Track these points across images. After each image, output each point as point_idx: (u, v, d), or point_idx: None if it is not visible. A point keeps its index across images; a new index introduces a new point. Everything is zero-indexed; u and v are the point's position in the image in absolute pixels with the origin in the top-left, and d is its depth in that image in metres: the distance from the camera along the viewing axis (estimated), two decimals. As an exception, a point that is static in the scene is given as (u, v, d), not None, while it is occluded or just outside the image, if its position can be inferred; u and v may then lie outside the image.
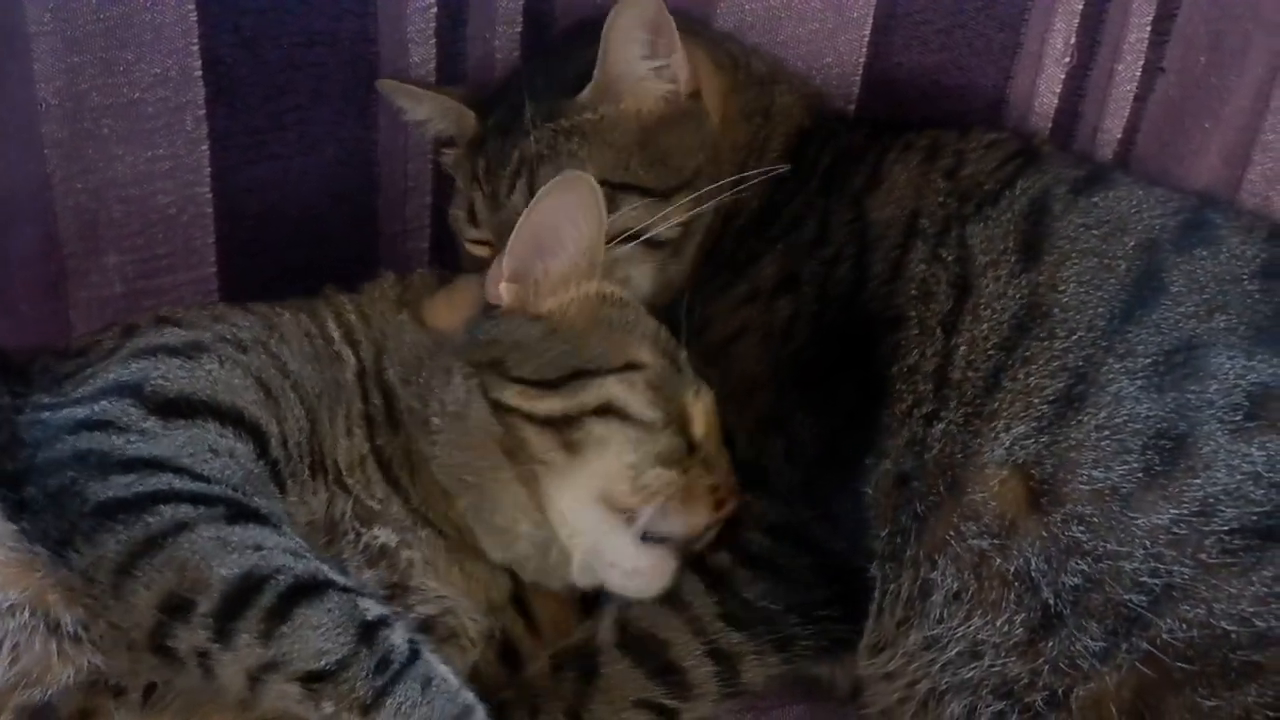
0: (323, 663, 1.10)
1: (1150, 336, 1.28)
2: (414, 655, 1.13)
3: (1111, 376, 1.26)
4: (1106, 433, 1.24)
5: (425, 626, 1.31)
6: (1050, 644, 1.22)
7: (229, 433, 1.26)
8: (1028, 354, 1.30)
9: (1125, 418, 1.24)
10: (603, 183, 1.42)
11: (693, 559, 1.37)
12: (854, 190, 1.48)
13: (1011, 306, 1.33)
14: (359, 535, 1.33)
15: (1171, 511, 1.20)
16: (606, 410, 1.34)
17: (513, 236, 1.38)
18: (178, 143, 1.58)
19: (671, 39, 1.49)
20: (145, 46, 1.52)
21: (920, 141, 1.50)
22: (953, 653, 1.26)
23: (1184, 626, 1.17)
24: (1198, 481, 1.21)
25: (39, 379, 1.34)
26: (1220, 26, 1.65)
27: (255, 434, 1.27)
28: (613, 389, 1.34)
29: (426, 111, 1.62)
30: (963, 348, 1.33)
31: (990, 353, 1.32)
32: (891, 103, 1.68)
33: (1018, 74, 1.71)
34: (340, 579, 1.17)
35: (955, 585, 1.27)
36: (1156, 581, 1.19)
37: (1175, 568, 1.19)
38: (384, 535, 1.34)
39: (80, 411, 1.24)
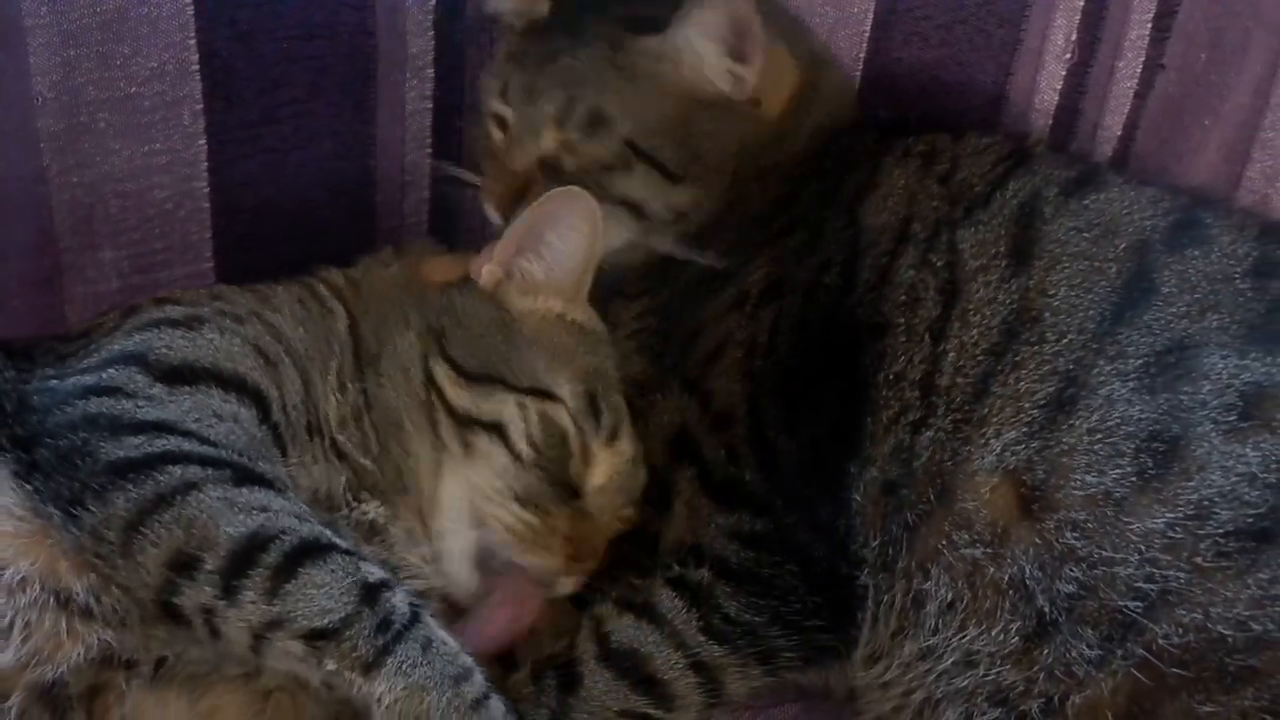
0: (326, 620, 1.12)
1: (1141, 338, 1.27)
2: (415, 617, 1.15)
3: (1103, 379, 1.26)
4: (1098, 436, 1.24)
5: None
6: (1045, 651, 1.22)
7: (232, 398, 1.28)
8: (1018, 359, 1.30)
9: (1117, 421, 1.24)
10: (628, 143, 1.45)
11: (670, 578, 1.37)
12: (848, 196, 1.47)
13: (1001, 311, 1.32)
14: (352, 509, 1.34)
15: (1166, 515, 1.20)
16: (494, 427, 1.37)
17: (510, 228, 1.42)
18: (174, 137, 1.57)
19: (753, 50, 1.48)
20: (141, 40, 1.51)
21: (918, 147, 1.50)
22: (948, 662, 1.26)
23: (1180, 631, 1.17)
24: (1192, 484, 1.20)
25: (43, 358, 1.36)
26: (1220, 24, 1.65)
27: (257, 399, 1.30)
28: (507, 411, 1.37)
29: None
30: (951, 354, 1.32)
31: (980, 358, 1.31)
32: (891, 99, 1.67)
33: (1018, 70, 1.70)
34: (342, 543, 1.19)
35: (949, 595, 1.27)
36: (1152, 586, 1.19)
37: (1170, 572, 1.19)
38: (373, 510, 1.35)
39: (88, 379, 1.26)
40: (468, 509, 1.36)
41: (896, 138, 1.52)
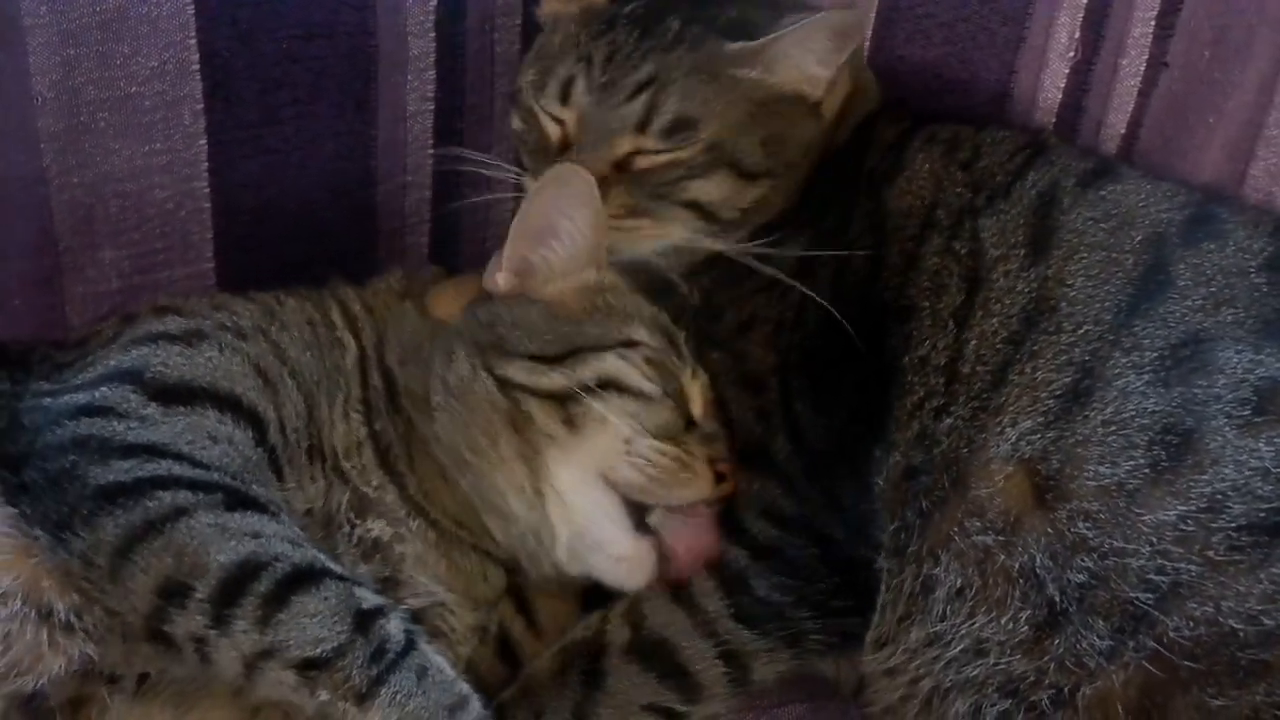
0: (319, 650, 1.10)
1: (1157, 330, 1.27)
2: (410, 645, 1.14)
3: (1118, 371, 1.26)
4: (1113, 428, 1.24)
5: (415, 620, 1.29)
6: (1056, 642, 1.21)
7: (228, 419, 1.26)
8: (1035, 348, 1.30)
9: (1132, 413, 1.24)
10: (711, 148, 1.44)
11: None
12: (878, 178, 1.47)
13: (1020, 301, 1.33)
14: (353, 528, 1.33)
15: (1179, 508, 1.20)
16: (607, 384, 1.35)
17: (511, 230, 1.40)
18: (175, 137, 1.57)
19: (843, 59, 1.48)
20: (141, 40, 1.51)
21: (943, 134, 1.50)
22: (956, 650, 1.26)
23: (1191, 624, 1.17)
24: (1205, 477, 1.20)
25: (39, 368, 1.35)
26: (1224, 21, 1.64)
27: (253, 420, 1.28)
28: (611, 363, 1.36)
29: None
30: (973, 342, 1.33)
31: (999, 347, 1.31)
32: (895, 96, 1.67)
33: (1021, 68, 1.70)
34: (337, 569, 1.18)
35: (959, 582, 1.26)
36: (1163, 579, 1.19)
37: (1182, 565, 1.18)
38: (377, 528, 1.34)
39: (80, 397, 1.25)
40: (599, 478, 1.34)
41: (923, 124, 1.52)
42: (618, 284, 1.45)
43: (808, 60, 1.47)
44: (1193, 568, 1.18)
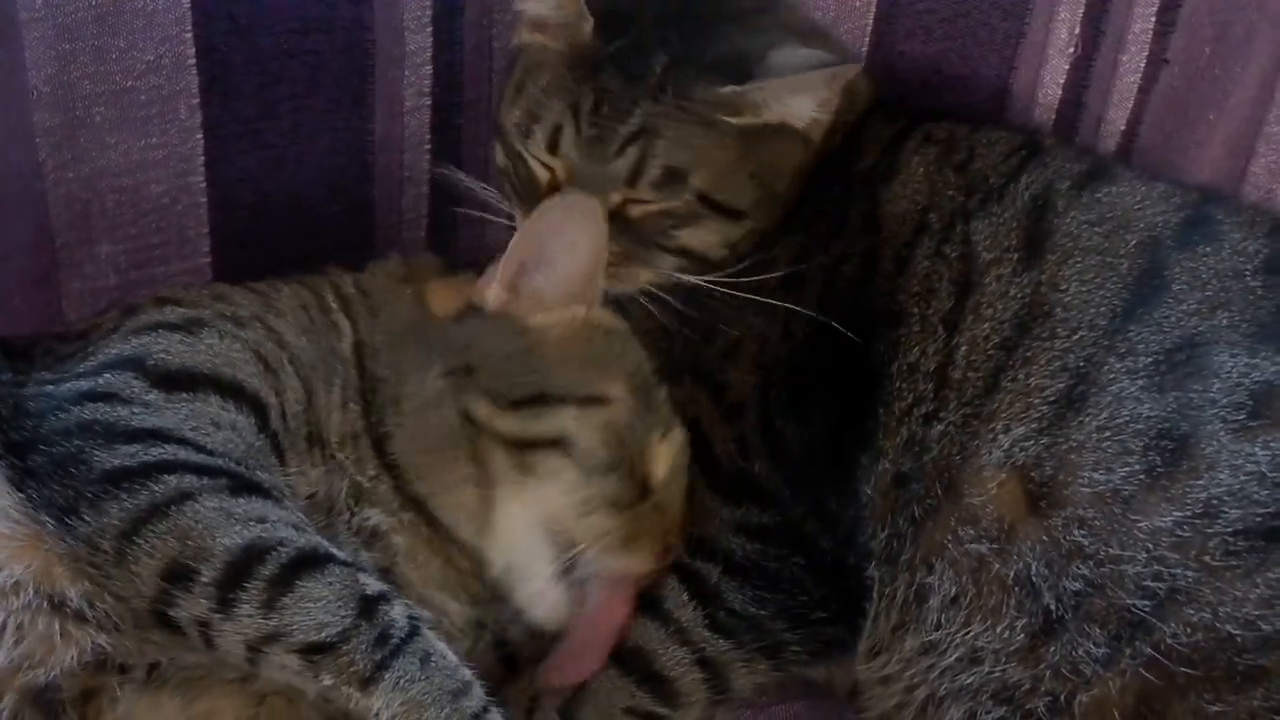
0: (323, 634, 1.11)
1: (1152, 335, 1.27)
2: (414, 631, 1.14)
3: (1113, 376, 1.26)
4: (1107, 434, 1.23)
5: None
6: (1052, 649, 1.21)
7: (230, 405, 1.26)
8: (1028, 354, 1.29)
9: (1126, 418, 1.23)
10: (701, 197, 1.42)
11: (676, 569, 1.36)
12: (873, 180, 1.46)
13: (1013, 305, 1.32)
14: (353, 515, 1.33)
15: (1174, 514, 1.19)
16: (558, 443, 1.34)
17: (511, 245, 1.37)
18: (171, 131, 1.56)
19: (835, 99, 1.46)
20: (137, 33, 1.50)
21: (939, 134, 1.48)
22: (951, 658, 1.26)
23: (1188, 630, 1.17)
24: (1201, 483, 1.20)
25: (41, 359, 1.35)
26: (1225, 17, 1.64)
27: (256, 407, 1.28)
28: (567, 423, 1.34)
29: None
30: (964, 347, 1.32)
31: (991, 352, 1.31)
32: (893, 93, 1.66)
33: (1021, 64, 1.69)
34: (341, 554, 1.18)
35: (953, 590, 1.26)
36: (1160, 585, 1.18)
37: (1179, 571, 1.18)
38: (375, 517, 1.34)
39: (84, 384, 1.25)
40: (542, 528, 1.34)
41: (918, 123, 1.51)
42: (608, 327, 1.42)
43: (802, 104, 1.44)
44: (1189, 574, 1.18)
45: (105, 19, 1.48)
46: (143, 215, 1.59)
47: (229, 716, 1.22)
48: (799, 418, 1.37)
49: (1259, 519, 1.18)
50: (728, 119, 1.42)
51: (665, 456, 1.39)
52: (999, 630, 1.23)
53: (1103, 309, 1.29)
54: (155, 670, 1.20)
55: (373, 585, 1.15)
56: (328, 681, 1.11)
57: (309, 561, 1.14)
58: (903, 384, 1.33)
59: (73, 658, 1.16)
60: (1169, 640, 1.17)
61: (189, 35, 1.52)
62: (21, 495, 1.17)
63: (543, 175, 1.47)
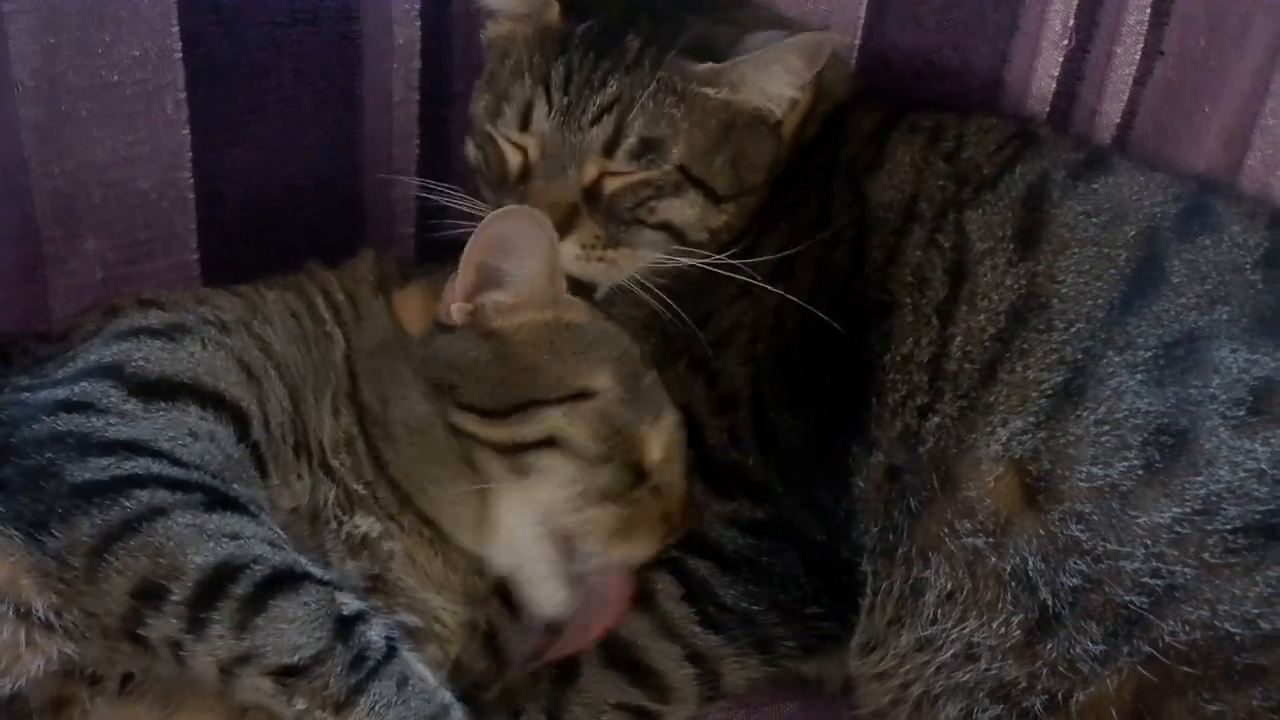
0: (296, 658, 1.09)
1: (1151, 328, 1.26)
2: (391, 653, 1.12)
3: (1111, 370, 1.25)
4: (1106, 428, 1.23)
5: (406, 616, 1.31)
6: (1049, 646, 1.21)
7: (209, 415, 1.24)
8: (1025, 346, 1.28)
9: (1125, 413, 1.23)
10: (680, 168, 1.42)
11: (667, 564, 1.36)
12: (857, 170, 1.45)
13: (1009, 296, 1.31)
14: (340, 524, 1.32)
15: (1173, 510, 1.19)
16: (550, 443, 1.33)
17: (462, 259, 1.35)
18: (157, 126, 1.55)
19: (809, 77, 1.46)
20: (123, 27, 1.50)
21: (925, 122, 1.48)
22: (947, 655, 1.25)
23: (1186, 628, 1.16)
24: (1200, 479, 1.19)
25: (19, 360, 1.33)
26: (1220, 9, 1.63)
27: (237, 416, 1.26)
28: (556, 421, 1.34)
29: None
30: (958, 338, 1.31)
31: (986, 344, 1.30)
32: (887, 84, 1.66)
33: (1015, 56, 1.69)
34: (318, 572, 1.16)
35: (949, 584, 1.25)
36: (1158, 582, 1.18)
37: (1177, 568, 1.18)
38: (365, 525, 1.33)
39: (60, 392, 1.23)
40: (542, 526, 1.33)
41: (904, 112, 1.50)
42: (581, 321, 1.41)
43: (776, 82, 1.44)
44: (1188, 570, 1.17)
45: (91, 12, 1.48)
46: (129, 210, 1.59)
47: None
48: (791, 409, 1.37)
49: (1258, 516, 1.17)
50: (707, 92, 1.42)
51: (659, 439, 1.39)
52: (995, 626, 1.23)
53: (1100, 301, 1.28)
54: (129, 682, 1.18)
55: (350, 605, 1.14)
56: (301, 706, 1.09)
57: (283, 580, 1.12)
58: (896, 375, 1.32)
59: (40, 666, 1.14)
60: (1167, 638, 1.16)
61: (175, 29, 1.51)
62: None
63: (514, 159, 1.47)
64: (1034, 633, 1.21)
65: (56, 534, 1.12)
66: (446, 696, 1.13)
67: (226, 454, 1.23)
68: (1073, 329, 1.27)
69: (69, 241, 1.58)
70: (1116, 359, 1.25)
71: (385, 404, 1.37)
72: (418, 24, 1.61)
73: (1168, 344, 1.25)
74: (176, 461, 1.18)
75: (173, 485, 1.15)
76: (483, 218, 1.34)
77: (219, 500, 1.16)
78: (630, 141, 1.42)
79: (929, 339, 1.32)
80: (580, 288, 1.45)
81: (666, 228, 1.44)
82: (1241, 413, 1.21)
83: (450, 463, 1.34)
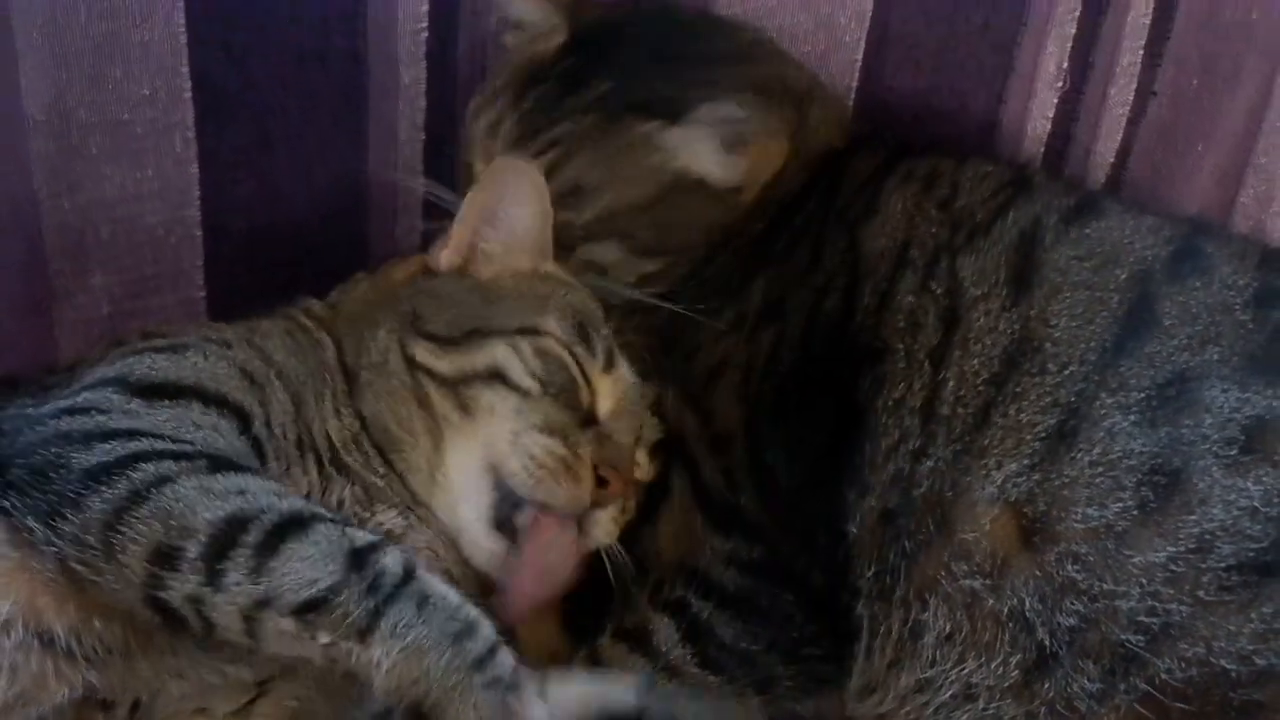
0: (314, 590, 1.09)
1: (1143, 369, 1.26)
2: (408, 575, 1.12)
3: (1104, 411, 1.25)
4: (1100, 469, 1.23)
5: None
6: (1046, 686, 1.21)
7: (212, 411, 1.26)
8: (1018, 389, 1.29)
9: (1119, 453, 1.23)
10: (600, 219, 1.45)
11: (667, 605, 1.36)
12: (851, 218, 1.46)
13: (1002, 340, 1.32)
14: (363, 523, 1.32)
15: (1168, 549, 1.19)
16: (492, 375, 1.37)
17: (462, 209, 1.45)
18: (166, 163, 1.57)
19: (746, 152, 1.48)
20: (134, 64, 1.51)
21: (920, 170, 1.48)
22: (946, 695, 1.25)
23: (1183, 665, 1.16)
24: (1194, 518, 1.19)
25: (25, 387, 1.35)
26: (1212, 49, 1.65)
27: (238, 413, 1.28)
28: (499, 352, 1.38)
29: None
30: (951, 382, 1.31)
31: (980, 388, 1.30)
32: (883, 126, 1.67)
33: (1010, 97, 1.70)
34: (326, 513, 1.16)
35: (947, 626, 1.25)
36: (1154, 620, 1.18)
37: (1173, 606, 1.18)
38: (388, 520, 1.34)
39: (64, 402, 1.24)
40: (482, 465, 1.35)
41: (900, 160, 1.51)
42: (555, 275, 1.47)
43: (708, 156, 1.47)
44: (1183, 608, 1.17)
45: (102, 49, 1.49)
46: (137, 245, 1.60)
47: None
48: (785, 452, 1.37)
49: (1252, 553, 1.17)
50: (640, 154, 1.46)
51: (609, 390, 1.42)
52: (993, 666, 1.23)
53: (1093, 344, 1.28)
54: (137, 709, 1.19)
55: (361, 537, 1.14)
56: (325, 640, 1.08)
57: (293, 524, 1.12)
58: (888, 420, 1.32)
59: (64, 695, 1.15)
60: (1163, 675, 1.16)
61: (185, 68, 1.53)
62: (5, 505, 1.16)
63: (478, 168, 1.53)
64: (1032, 672, 1.21)
65: (70, 517, 1.13)
66: (472, 611, 1.12)
67: (229, 442, 1.25)
68: (1065, 371, 1.28)
69: (77, 276, 1.59)
70: (1109, 400, 1.25)
71: (357, 354, 1.42)
72: (423, 64, 1.63)
73: (1160, 384, 1.25)
74: (178, 440, 1.20)
75: (176, 456, 1.16)
76: None
77: (222, 464, 1.17)
78: (560, 180, 1.46)
79: (921, 383, 1.33)
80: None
81: (590, 266, 1.49)
82: (1234, 451, 1.21)
83: (405, 403, 1.38)
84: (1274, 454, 1.21)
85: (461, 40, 1.64)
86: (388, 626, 1.08)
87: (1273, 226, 1.74)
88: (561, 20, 1.52)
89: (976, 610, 1.24)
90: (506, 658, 1.11)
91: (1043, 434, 1.26)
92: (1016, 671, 1.22)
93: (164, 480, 1.13)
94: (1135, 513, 1.21)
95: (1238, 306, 1.30)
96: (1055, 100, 1.70)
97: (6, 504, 1.15)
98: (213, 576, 1.10)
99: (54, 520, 1.13)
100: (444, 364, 1.38)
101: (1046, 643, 1.21)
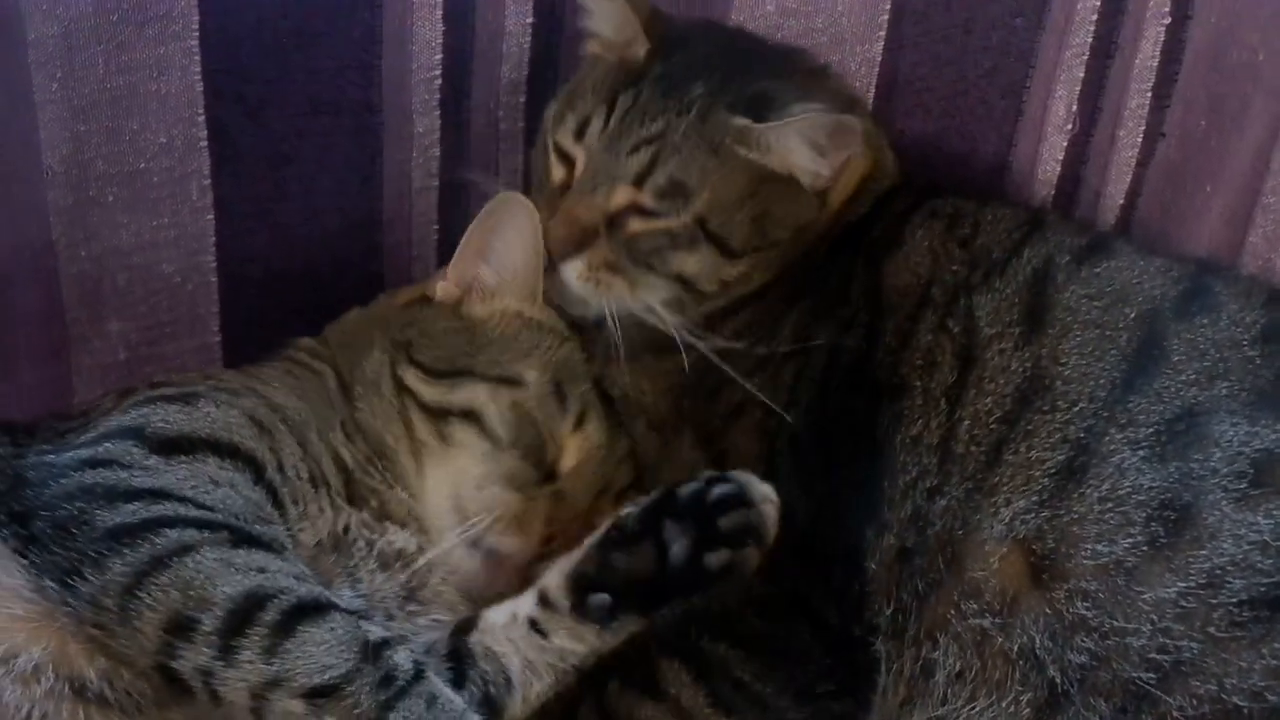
0: (327, 677, 1.10)
1: (1152, 406, 1.27)
2: (419, 674, 1.14)
3: (1113, 448, 1.25)
4: (1109, 505, 1.23)
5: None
6: None
7: (227, 464, 1.28)
8: (1029, 427, 1.29)
9: (1128, 489, 1.23)
10: (699, 221, 1.46)
11: (680, 646, 1.35)
12: (877, 253, 1.48)
13: (1014, 380, 1.32)
14: (371, 544, 1.35)
15: (1178, 584, 1.19)
16: (469, 415, 1.44)
17: (461, 243, 1.50)
18: (182, 212, 1.59)
19: (840, 156, 1.49)
20: (151, 115, 1.53)
21: (945, 209, 1.50)
22: None
23: (1194, 703, 1.16)
24: (1204, 553, 1.19)
25: (41, 433, 1.36)
26: (1220, 90, 1.65)
27: (251, 463, 1.30)
28: (478, 398, 1.45)
29: (606, 10, 1.57)
30: (966, 421, 1.32)
31: (992, 426, 1.31)
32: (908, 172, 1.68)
33: (1020, 141, 1.71)
34: (343, 604, 1.18)
35: (958, 665, 1.25)
36: (1165, 657, 1.18)
37: (1183, 642, 1.17)
38: (400, 539, 1.37)
39: (84, 452, 1.26)
40: (451, 500, 1.41)
41: (926, 198, 1.52)
42: (541, 322, 1.52)
43: (802, 153, 1.47)
44: (1194, 645, 1.17)
45: (119, 100, 1.51)
46: (153, 293, 1.62)
47: None
48: (804, 488, 1.37)
49: (1263, 588, 1.17)
50: (738, 150, 1.46)
51: (576, 447, 1.47)
52: (1004, 705, 1.22)
53: (1102, 381, 1.29)
54: None
55: (375, 632, 1.16)
56: None
57: (310, 609, 1.14)
58: (906, 457, 1.33)
59: None
60: (1175, 713, 1.16)
61: (201, 118, 1.55)
62: (26, 562, 1.17)
63: (558, 174, 1.53)
64: (1043, 711, 1.21)
65: (90, 577, 1.14)
66: (475, 718, 1.14)
67: (246, 497, 1.26)
68: (1075, 408, 1.28)
69: (93, 323, 1.61)
70: (1119, 436, 1.25)
71: (351, 368, 1.47)
72: (437, 114, 1.65)
73: (1169, 420, 1.25)
74: (201, 505, 1.21)
75: (200, 525, 1.18)
76: None
77: (244, 538, 1.19)
78: (659, 178, 1.46)
79: (938, 422, 1.33)
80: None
81: (678, 278, 1.49)
82: (1243, 485, 1.21)
83: (393, 421, 1.45)
84: (1284, 488, 1.21)
85: (475, 90, 1.66)
86: None
87: (1282, 266, 1.74)
88: (638, 31, 1.54)
89: (987, 648, 1.24)
90: None
91: (1051, 470, 1.26)
92: (1028, 710, 1.22)
93: (186, 549, 1.15)
94: (1145, 548, 1.21)
95: (1245, 343, 1.31)
96: (1065, 143, 1.70)
97: (29, 559, 1.17)
98: (226, 651, 1.11)
99: (72, 579, 1.14)
100: (429, 392, 1.45)
101: (1058, 681, 1.20)
